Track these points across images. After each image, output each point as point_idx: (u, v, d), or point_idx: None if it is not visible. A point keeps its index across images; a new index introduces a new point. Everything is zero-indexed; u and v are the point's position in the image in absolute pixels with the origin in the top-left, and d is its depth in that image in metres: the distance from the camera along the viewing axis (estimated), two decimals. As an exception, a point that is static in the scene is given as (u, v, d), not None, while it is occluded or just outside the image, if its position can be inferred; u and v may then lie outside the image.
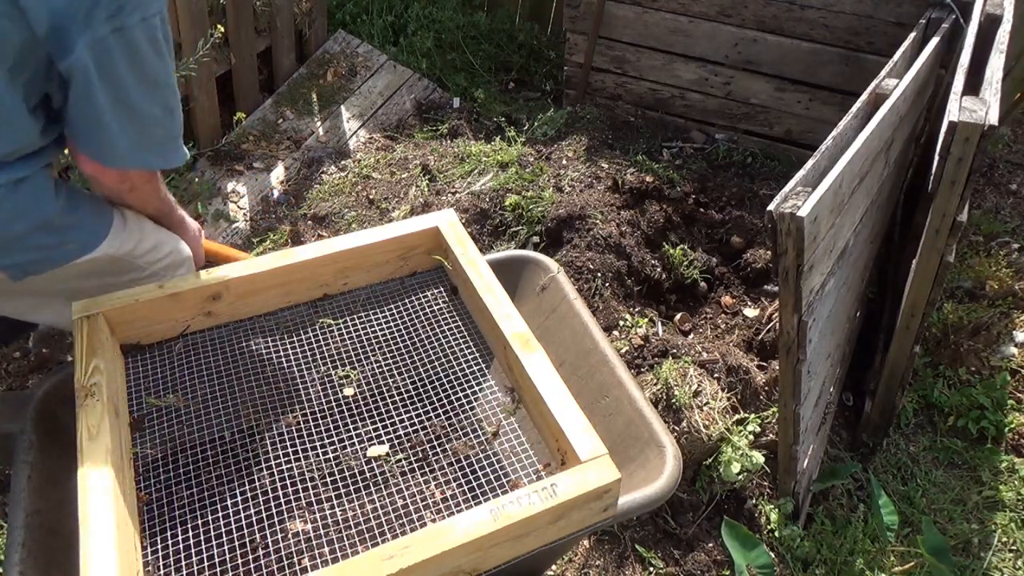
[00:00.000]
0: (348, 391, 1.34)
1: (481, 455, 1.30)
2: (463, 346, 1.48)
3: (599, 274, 2.56)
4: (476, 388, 1.40)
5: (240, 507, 1.20)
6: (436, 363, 1.43)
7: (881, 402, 2.45)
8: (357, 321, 1.50)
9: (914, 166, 2.98)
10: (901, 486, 2.43)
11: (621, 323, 2.49)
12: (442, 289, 1.59)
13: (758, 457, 2.13)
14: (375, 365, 1.40)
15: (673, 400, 2.16)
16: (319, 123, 3.50)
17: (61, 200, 1.35)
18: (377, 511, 1.20)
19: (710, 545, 2.17)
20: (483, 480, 1.26)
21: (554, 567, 2.10)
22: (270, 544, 1.15)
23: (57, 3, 1.11)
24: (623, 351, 2.39)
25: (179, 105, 1.34)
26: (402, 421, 1.33)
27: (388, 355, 1.43)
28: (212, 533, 1.16)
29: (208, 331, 1.48)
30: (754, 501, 2.26)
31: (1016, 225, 3.38)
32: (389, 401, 1.34)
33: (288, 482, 1.21)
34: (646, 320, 2.54)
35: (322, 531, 1.16)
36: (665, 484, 1.26)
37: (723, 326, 2.71)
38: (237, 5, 3.10)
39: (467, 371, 1.43)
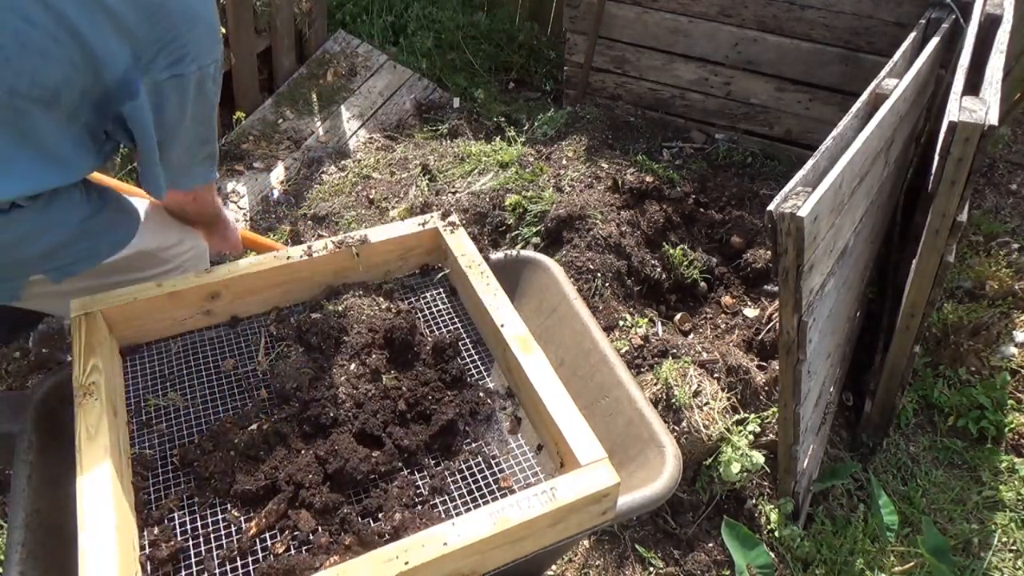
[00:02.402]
0: (346, 391, 1.34)
1: (480, 457, 1.30)
2: (462, 347, 1.48)
3: (599, 274, 2.56)
4: (475, 390, 1.40)
5: (233, 506, 1.20)
6: (435, 364, 1.43)
7: (881, 402, 2.45)
8: (356, 321, 1.50)
9: (914, 166, 2.98)
10: (901, 486, 2.43)
11: (621, 323, 2.49)
12: (441, 290, 1.59)
13: (758, 457, 2.13)
14: (374, 365, 1.40)
15: (673, 400, 2.16)
16: (319, 123, 3.50)
17: (93, 203, 1.40)
18: (377, 511, 1.20)
19: (710, 545, 2.17)
20: (482, 483, 1.26)
21: (554, 567, 2.10)
22: (269, 543, 1.15)
23: (126, 53, 1.17)
24: (623, 351, 2.39)
25: (216, 127, 1.43)
26: (401, 421, 1.33)
27: (387, 356, 1.43)
28: (210, 531, 1.16)
29: (207, 330, 1.48)
30: (754, 501, 2.26)
31: (1016, 225, 3.38)
32: (389, 401, 1.34)
33: (284, 482, 1.21)
34: (646, 320, 2.54)
35: (321, 532, 1.16)
36: (665, 484, 1.26)
37: (723, 326, 2.70)
38: (237, 5, 3.10)
39: (466, 372, 1.42)
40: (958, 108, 1.78)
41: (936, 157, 1.94)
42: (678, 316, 2.71)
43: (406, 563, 1.03)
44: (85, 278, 1.45)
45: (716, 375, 2.28)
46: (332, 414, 1.29)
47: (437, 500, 1.23)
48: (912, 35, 2.59)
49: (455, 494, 1.24)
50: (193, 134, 1.34)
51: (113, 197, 1.49)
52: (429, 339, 1.45)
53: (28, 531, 1.14)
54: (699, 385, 2.21)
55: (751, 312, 2.72)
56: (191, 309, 1.44)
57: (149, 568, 1.11)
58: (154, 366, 1.41)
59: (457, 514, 1.19)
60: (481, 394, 1.38)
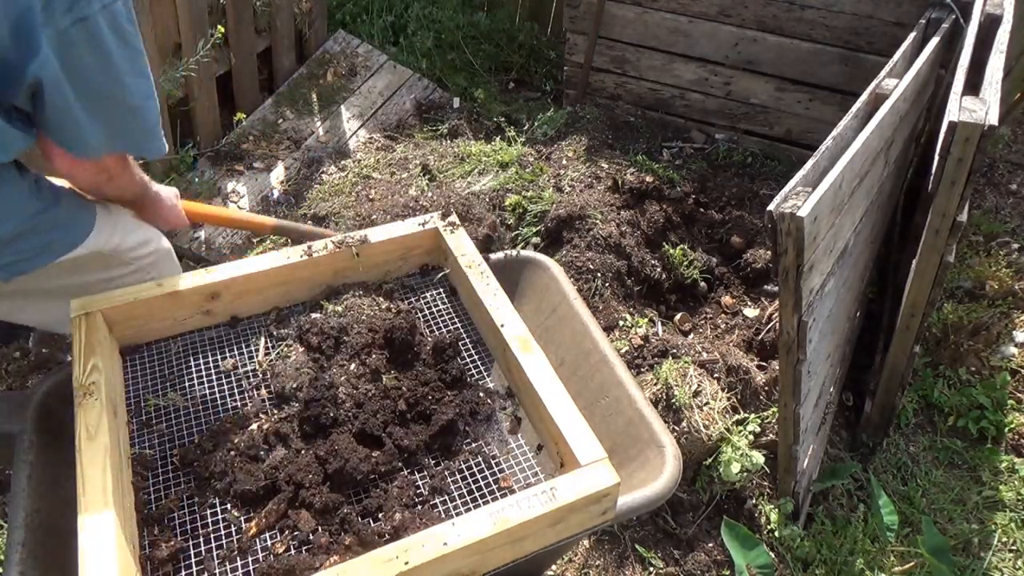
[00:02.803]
0: (346, 391, 1.34)
1: (480, 457, 1.30)
2: (462, 347, 1.48)
3: (599, 274, 2.56)
4: (475, 390, 1.40)
5: (233, 506, 1.20)
6: (435, 365, 1.43)
7: (881, 402, 2.45)
8: (356, 321, 1.50)
9: (914, 166, 2.98)
10: (901, 486, 2.43)
11: (621, 323, 2.49)
12: (441, 290, 1.59)
13: (758, 457, 2.13)
14: (374, 365, 1.40)
15: (673, 400, 2.16)
16: (319, 123, 3.50)
17: (45, 198, 1.34)
18: (377, 511, 1.20)
19: (710, 545, 2.17)
20: (482, 483, 1.26)
21: (554, 567, 2.10)
22: (269, 543, 1.15)
23: (16, 3, 1.07)
24: (623, 351, 2.39)
25: (153, 93, 1.29)
26: (401, 421, 1.33)
27: (387, 356, 1.43)
28: (210, 529, 1.16)
29: (207, 330, 1.48)
30: (754, 501, 2.26)
31: (1016, 225, 3.38)
32: (389, 401, 1.34)
33: (284, 482, 1.21)
34: (646, 320, 2.54)
35: (321, 532, 1.16)
36: (665, 484, 1.26)
37: (723, 326, 2.70)
38: (237, 5, 3.10)
39: (466, 372, 1.42)
40: (958, 108, 1.78)
41: (936, 157, 1.94)
42: (678, 316, 2.71)
43: (406, 563, 1.03)
44: (37, 278, 1.38)
45: (716, 375, 2.28)
46: (332, 414, 1.29)
47: (437, 500, 1.23)
48: (912, 35, 2.59)
49: (455, 494, 1.24)
50: (113, 91, 1.20)
51: (67, 194, 1.41)
52: (429, 339, 1.45)
53: (28, 531, 1.14)
54: (699, 385, 2.21)
55: (751, 312, 2.72)
56: (191, 309, 1.44)
57: (149, 568, 1.11)
58: (154, 366, 1.41)
59: (457, 514, 1.19)
60: (481, 394, 1.38)
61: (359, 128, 3.53)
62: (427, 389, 1.35)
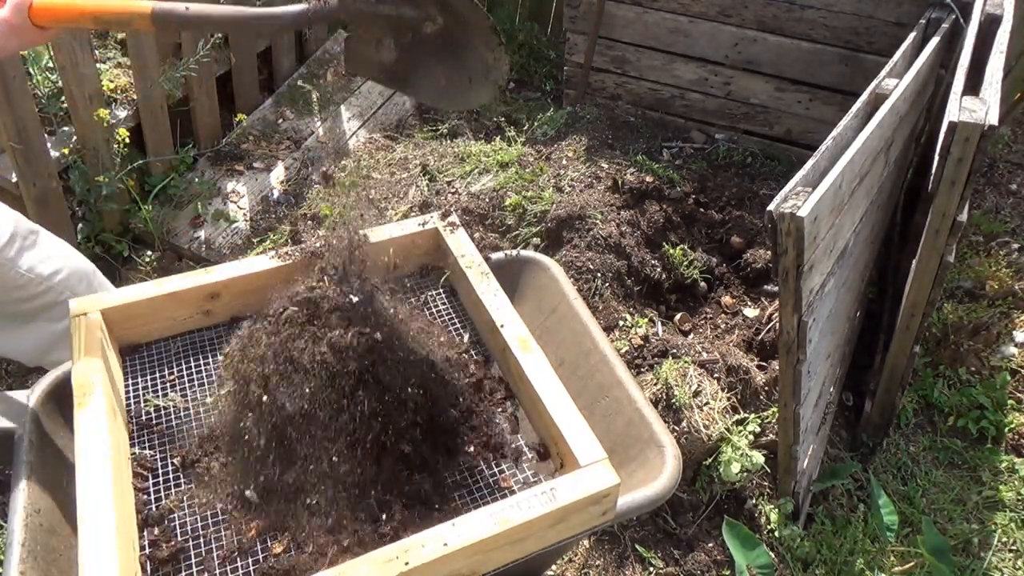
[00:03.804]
0: (344, 390, 1.34)
1: (481, 459, 1.30)
2: (462, 348, 1.48)
3: (599, 274, 2.56)
4: (475, 390, 1.40)
5: (233, 506, 1.20)
6: (434, 365, 1.43)
7: (881, 402, 2.45)
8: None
9: (914, 166, 2.98)
10: (901, 486, 2.43)
11: (621, 323, 2.49)
12: (441, 290, 1.59)
13: (758, 457, 2.13)
14: (373, 366, 1.40)
15: (673, 400, 2.16)
16: (319, 123, 3.50)
17: None
18: (377, 512, 1.20)
19: (710, 545, 2.17)
20: (482, 483, 1.26)
21: (554, 567, 2.10)
22: (268, 543, 1.15)
23: None
24: (623, 351, 2.39)
25: None
26: (400, 422, 1.32)
27: (386, 356, 1.43)
28: (215, 528, 1.16)
29: (207, 330, 1.48)
30: (754, 501, 2.26)
31: (1016, 225, 3.38)
32: (387, 401, 1.34)
33: (284, 482, 1.21)
34: (646, 320, 2.54)
35: (321, 532, 1.16)
36: (665, 484, 1.26)
37: (723, 326, 2.70)
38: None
39: (467, 374, 1.42)
40: (958, 108, 1.78)
41: (936, 157, 1.94)
42: (678, 316, 2.71)
43: (406, 563, 1.03)
44: None
45: (716, 375, 2.28)
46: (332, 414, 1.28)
47: (437, 500, 1.23)
48: (912, 35, 2.59)
49: (455, 495, 1.24)
50: None
51: None
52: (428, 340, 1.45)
53: (28, 531, 1.14)
54: (699, 385, 2.21)
55: (751, 312, 2.72)
56: (191, 309, 1.44)
57: (149, 568, 1.11)
58: (154, 366, 1.41)
59: (457, 514, 1.19)
60: (481, 394, 1.38)
61: (359, 128, 3.53)
62: (426, 390, 1.35)
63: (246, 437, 1.20)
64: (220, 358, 1.43)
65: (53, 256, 1.86)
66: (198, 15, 1.17)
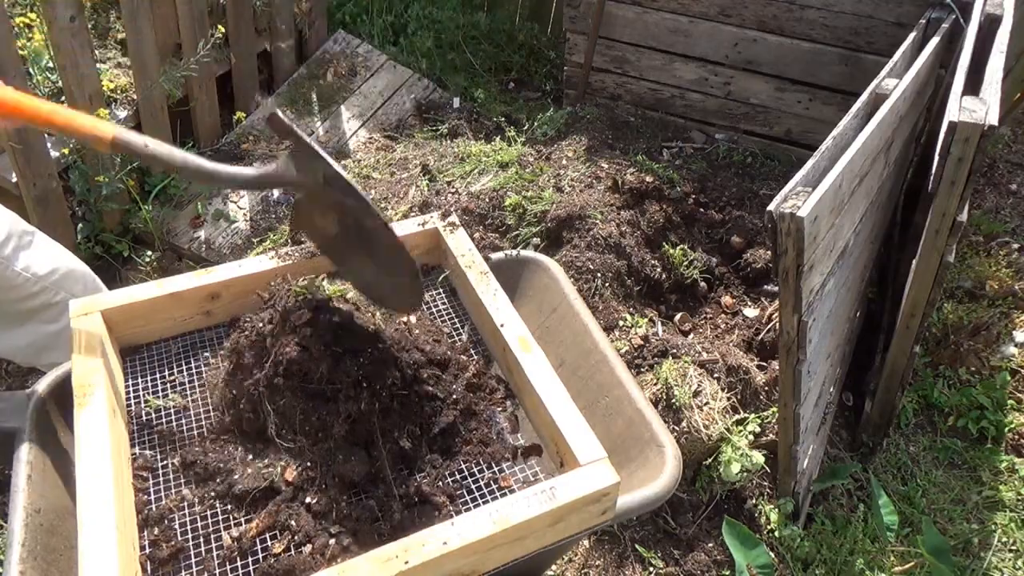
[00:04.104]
0: (342, 390, 1.34)
1: (480, 457, 1.30)
2: (462, 348, 1.48)
3: (599, 274, 2.56)
4: (474, 390, 1.40)
5: (233, 506, 1.20)
6: (435, 366, 1.43)
7: (881, 402, 2.45)
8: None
9: (914, 166, 2.98)
10: (901, 486, 2.43)
11: (621, 323, 2.49)
12: (441, 290, 1.59)
13: (758, 457, 2.13)
14: (373, 366, 1.40)
15: (673, 400, 2.16)
16: (319, 123, 3.50)
17: None
18: (377, 511, 1.20)
19: (710, 545, 2.17)
20: (482, 483, 1.26)
21: (554, 567, 2.10)
22: (269, 543, 1.15)
23: None
24: (623, 351, 2.39)
25: None
26: (400, 422, 1.33)
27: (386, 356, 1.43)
28: (218, 525, 1.16)
29: (207, 330, 1.48)
30: (754, 501, 2.26)
31: (1016, 225, 3.38)
32: (387, 402, 1.34)
33: (284, 483, 1.21)
34: (646, 320, 2.54)
35: (321, 532, 1.16)
36: (665, 484, 1.26)
37: (723, 326, 2.70)
38: (237, 5, 3.10)
39: (467, 374, 1.42)
40: (958, 108, 1.78)
41: (936, 157, 1.94)
42: (678, 316, 2.71)
43: (406, 562, 1.03)
44: None
45: (716, 375, 2.28)
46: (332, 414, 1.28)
47: (437, 500, 1.23)
48: (912, 35, 2.59)
49: (455, 494, 1.24)
50: None
51: None
52: (428, 340, 1.45)
53: (28, 531, 1.14)
54: (699, 385, 2.21)
55: (751, 312, 2.72)
56: (191, 309, 1.45)
57: (149, 568, 1.11)
58: (154, 366, 1.41)
59: (457, 514, 1.19)
60: (481, 394, 1.38)
61: (359, 128, 3.53)
62: (425, 391, 1.35)
63: (240, 437, 1.21)
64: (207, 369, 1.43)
65: (48, 257, 1.87)
66: (155, 155, 1.18)
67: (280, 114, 1.19)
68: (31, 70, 2.68)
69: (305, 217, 1.29)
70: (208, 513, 1.19)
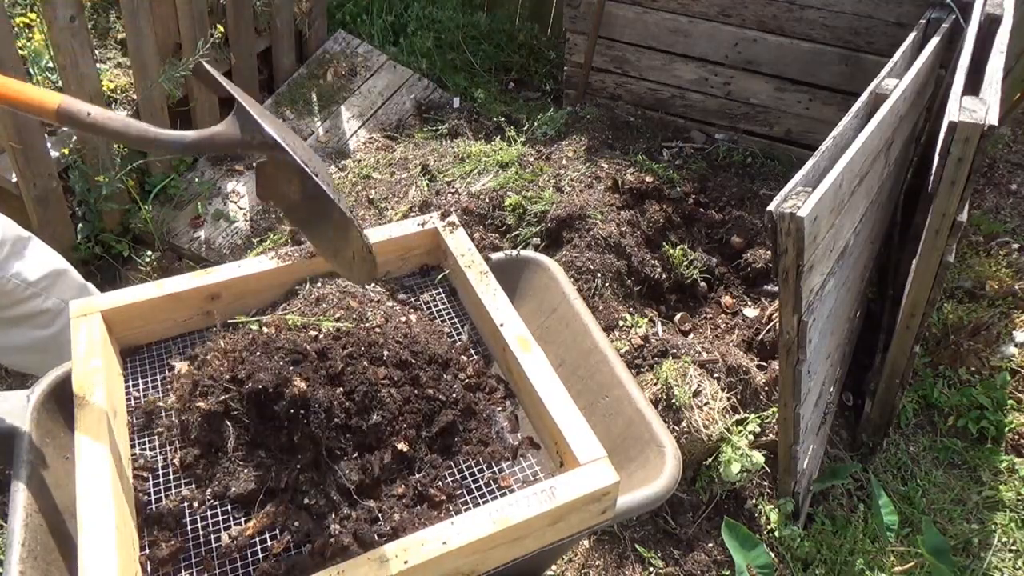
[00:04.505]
0: (342, 390, 1.34)
1: (480, 457, 1.30)
2: (461, 348, 1.48)
3: (599, 274, 2.56)
4: (474, 390, 1.40)
5: (233, 506, 1.20)
6: (435, 366, 1.43)
7: (881, 402, 2.45)
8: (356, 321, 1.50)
9: (914, 166, 2.98)
10: (901, 486, 2.43)
11: (621, 323, 2.49)
12: (441, 290, 1.59)
13: (758, 457, 2.13)
14: (373, 366, 1.40)
15: (673, 400, 2.16)
16: (319, 123, 3.50)
17: None
18: (376, 511, 1.20)
19: (710, 545, 2.17)
20: (482, 482, 1.26)
21: (554, 567, 2.10)
22: (269, 543, 1.15)
23: None
24: (623, 351, 2.39)
25: None
26: (399, 422, 1.33)
27: (386, 357, 1.43)
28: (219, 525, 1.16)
29: (207, 331, 1.48)
30: (754, 501, 2.26)
31: (1016, 225, 3.38)
32: (386, 402, 1.34)
33: (284, 483, 1.21)
34: (646, 320, 2.54)
35: (320, 532, 1.16)
36: (665, 484, 1.26)
37: (723, 326, 2.71)
38: (237, 5, 3.10)
39: (467, 374, 1.42)
40: (958, 108, 1.78)
41: (936, 157, 1.94)
42: (678, 316, 2.72)
43: (405, 562, 1.03)
44: None
45: (716, 375, 2.28)
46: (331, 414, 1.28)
47: (436, 500, 1.23)
48: (912, 35, 2.59)
49: (455, 493, 1.24)
50: None
51: None
52: (428, 340, 1.45)
53: (28, 531, 1.14)
54: (699, 385, 2.21)
55: (751, 312, 2.72)
56: (191, 310, 1.44)
57: (149, 568, 1.11)
58: (154, 367, 1.41)
59: (456, 513, 1.19)
60: (480, 394, 1.38)
61: (359, 128, 3.53)
62: (425, 390, 1.35)
63: (233, 439, 1.20)
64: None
65: (40, 263, 1.88)
66: (95, 123, 1.15)
67: (206, 65, 1.13)
68: (31, 70, 2.68)
69: (270, 182, 1.21)
70: (208, 513, 1.19)
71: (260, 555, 1.14)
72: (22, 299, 1.86)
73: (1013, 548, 2.28)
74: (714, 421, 2.15)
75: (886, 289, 2.90)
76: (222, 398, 1.21)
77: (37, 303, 1.89)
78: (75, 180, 2.74)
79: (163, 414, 1.32)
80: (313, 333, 1.33)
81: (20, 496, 1.17)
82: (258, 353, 1.25)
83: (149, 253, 2.94)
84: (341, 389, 1.25)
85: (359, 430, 1.26)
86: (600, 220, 2.70)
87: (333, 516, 1.18)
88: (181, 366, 1.36)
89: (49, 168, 2.59)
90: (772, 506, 2.23)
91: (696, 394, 2.19)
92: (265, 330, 1.35)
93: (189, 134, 1.16)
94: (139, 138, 1.15)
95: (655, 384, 2.22)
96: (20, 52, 2.43)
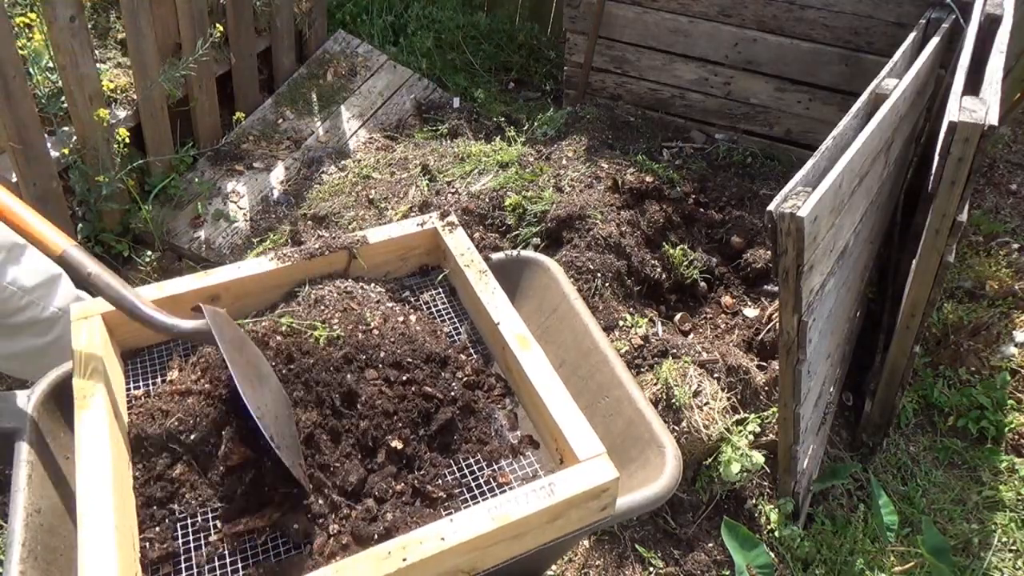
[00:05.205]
0: (342, 390, 1.34)
1: (479, 454, 1.30)
2: (461, 347, 1.48)
3: (599, 274, 2.56)
4: (473, 388, 1.40)
5: (232, 506, 1.20)
6: (434, 364, 1.43)
7: (881, 402, 2.45)
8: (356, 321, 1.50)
9: (914, 166, 2.98)
10: (901, 486, 2.43)
11: (621, 323, 2.49)
12: (441, 290, 1.59)
13: (758, 457, 2.13)
14: (373, 365, 1.40)
15: (673, 400, 2.16)
16: (319, 123, 3.50)
17: None
18: (375, 510, 1.20)
19: (710, 545, 2.17)
20: (481, 479, 1.26)
21: (554, 567, 2.10)
22: (268, 543, 1.15)
23: None
24: (623, 351, 2.39)
25: None
26: (397, 421, 1.33)
27: (383, 357, 1.43)
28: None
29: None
30: (754, 501, 2.26)
31: (1016, 225, 3.38)
32: (386, 402, 1.34)
33: (283, 482, 1.21)
34: (646, 320, 2.54)
35: (319, 531, 1.16)
36: (665, 484, 1.26)
37: (723, 326, 2.71)
38: (237, 5, 3.10)
39: (465, 372, 1.42)
40: (958, 108, 1.78)
41: (936, 157, 1.94)
42: (678, 316, 2.72)
43: (404, 559, 1.03)
44: None
45: (716, 375, 2.28)
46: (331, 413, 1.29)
47: (436, 497, 1.23)
48: (912, 35, 2.59)
49: (454, 491, 1.24)
50: None
51: None
52: (427, 339, 1.45)
53: (28, 531, 1.14)
54: (699, 385, 2.21)
55: (751, 312, 2.72)
56: (191, 312, 1.44)
57: (149, 568, 1.11)
58: (155, 369, 1.41)
59: (456, 511, 1.19)
60: (480, 392, 1.38)
61: (359, 128, 3.54)
62: (425, 390, 1.35)
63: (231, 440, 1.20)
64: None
65: (37, 270, 1.88)
66: (96, 285, 1.19)
67: (201, 305, 1.17)
68: (31, 70, 2.68)
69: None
70: (208, 513, 1.19)
71: (260, 555, 1.14)
72: (20, 307, 1.86)
73: (1013, 548, 2.28)
74: (714, 421, 2.15)
75: (886, 289, 2.90)
76: (215, 408, 1.22)
77: (34, 312, 1.89)
78: (75, 180, 2.74)
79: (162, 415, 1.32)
80: (305, 338, 1.33)
81: (20, 496, 1.17)
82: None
83: (149, 253, 2.94)
84: (339, 389, 1.25)
85: (357, 429, 1.26)
86: (600, 220, 2.70)
87: (332, 515, 1.18)
88: (173, 373, 1.37)
89: (49, 168, 2.59)
90: (772, 506, 2.23)
91: (696, 394, 2.19)
92: (260, 332, 1.35)
93: (179, 324, 1.18)
94: (130, 313, 1.19)
95: (655, 384, 2.22)
96: (20, 52, 2.43)
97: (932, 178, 1.95)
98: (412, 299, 1.57)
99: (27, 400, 1.31)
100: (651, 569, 2.13)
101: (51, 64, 2.70)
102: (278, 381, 1.21)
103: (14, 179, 2.56)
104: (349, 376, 1.29)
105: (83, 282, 1.17)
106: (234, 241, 3.01)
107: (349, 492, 1.21)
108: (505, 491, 1.24)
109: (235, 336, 1.20)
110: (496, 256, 1.65)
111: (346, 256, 1.53)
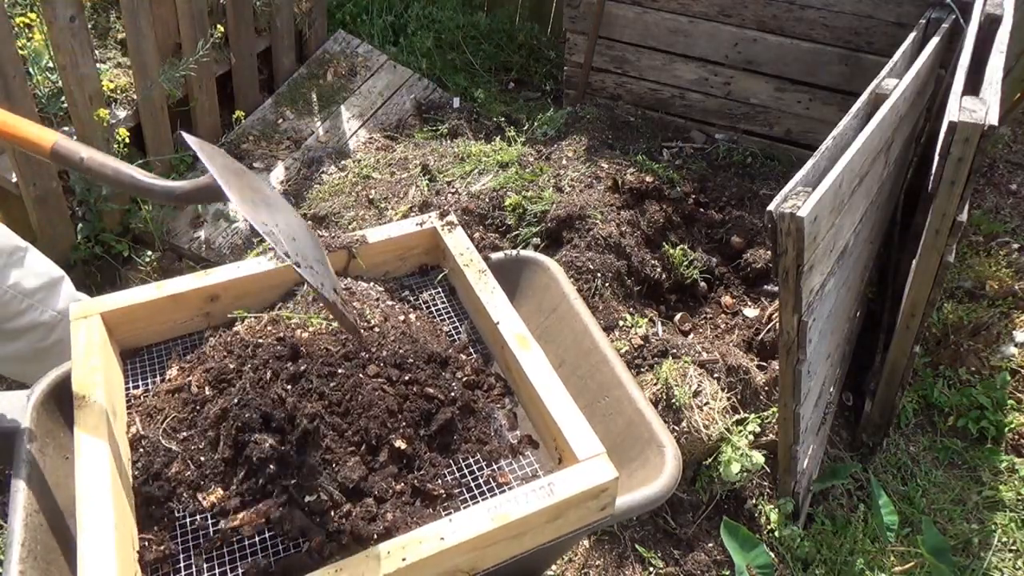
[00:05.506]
0: (343, 389, 1.34)
1: (479, 454, 1.30)
2: (460, 346, 1.48)
3: (599, 274, 2.56)
4: (473, 388, 1.40)
5: (231, 505, 1.20)
6: (433, 364, 1.43)
7: (881, 402, 2.45)
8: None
9: (914, 166, 2.98)
10: (901, 486, 2.43)
11: (621, 323, 2.49)
12: (440, 290, 1.59)
13: (758, 457, 2.13)
14: (370, 364, 1.40)
15: (673, 400, 2.16)
16: (319, 123, 3.50)
17: None
18: (374, 509, 1.20)
19: (710, 545, 2.17)
20: (480, 479, 1.26)
21: (554, 567, 2.10)
22: (268, 543, 1.15)
23: None
24: (623, 351, 2.39)
25: None
26: (396, 420, 1.33)
27: (384, 356, 1.43)
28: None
29: (206, 331, 1.48)
30: (754, 501, 2.26)
31: (1016, 225, 3.38)
32: (382, 400, 1.34)
33: (282, 481, 1.21)
34: (646, 320, 2.54)
35: (318, 530, 1.16)
36: (665, 484, 1.26)
37: (723, 326, 2.71)
38: (237, 5, 3.10)
39: (465, 372, 1.42)
40: (958, 108, 1.78)
41: (936, 157, 1.94)
42: (678, 316, 2.72)
43: (403, 559, 1.03)
44: None
45: (716, 375, 2.28)
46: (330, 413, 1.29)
47: (435, 497, 1.23)
48: (912, 35, 2.59)
49: (453, 491, 1.24)
50: None
51: None
52: (427, 339, 1.45)
53: (28, 531, 1.14)
54: (699, 385, 2.21)
55: (751, 312, 2.72)
56: (191, 311, 1.44)
57: (148, 568, 1.11)
58: (154, 368, 1.41)
59: (455, 511, 1.19)
60: (479, 392, 1.38)
61: (359, 128, 3.54)
62: (425, 390, 1.35)
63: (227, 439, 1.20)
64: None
65: (38, 273, 1.88)
66: (91, 168, 1.15)
67: (183, 134, 1.14)
68: (31, 70, 2.68)
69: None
70: (207, 512, 1.19)
71: (260, 555, 1.14)
72: (20, 311, 1.86)
73: (1013, 548, 2.28)
74: (714, 421, 2.15)
75: (886, 289, 2.90)
76: (213, 410, 1.22)
77: (33, 316, 1.89)
78: (75, 180, 2.74)
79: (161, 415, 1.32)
80: (305, 336, 1.33)
81: (20, 496, 1.17)
82: (248, 365, 1.25)
83: (149, 253, 2.94)
84: (337, 390, 1.25)
85: (356, 429, 1.26)
86: (600, 220, 2.70)
87: (331, 514, 1.18)
88: (172, 372, 1.36)
89: (49, 168, 2.59)
90: (772, 506, 2.23)
91: (696, 394, 2.19)
92: (257, 326, 1.35)
93: (179, 185, 1.16)
94: (130, 186, 1.16)
95: (655, 384, 2.22)
96: (20, 52, 2.43)
97: (932, 178, 1.95)
98: (411, 298, 1.57)
99: (27, 400, 1.31)
100: (651, 569, 2.13)
101: (51, 64, 2.70)
102: (295, 211, 1.16)
103: (14, 179, 2.56)
104: (350, 374, 1.28)
105: (77, 168, 1.14)
106: (234, 241, 3.01)
107: (350, 490, 1.21)
108: (505, 491, 1.24)
109: (234, 167, 1.15)
110: (496, 256, 1.65)
111: (345, 255, 1.53)
